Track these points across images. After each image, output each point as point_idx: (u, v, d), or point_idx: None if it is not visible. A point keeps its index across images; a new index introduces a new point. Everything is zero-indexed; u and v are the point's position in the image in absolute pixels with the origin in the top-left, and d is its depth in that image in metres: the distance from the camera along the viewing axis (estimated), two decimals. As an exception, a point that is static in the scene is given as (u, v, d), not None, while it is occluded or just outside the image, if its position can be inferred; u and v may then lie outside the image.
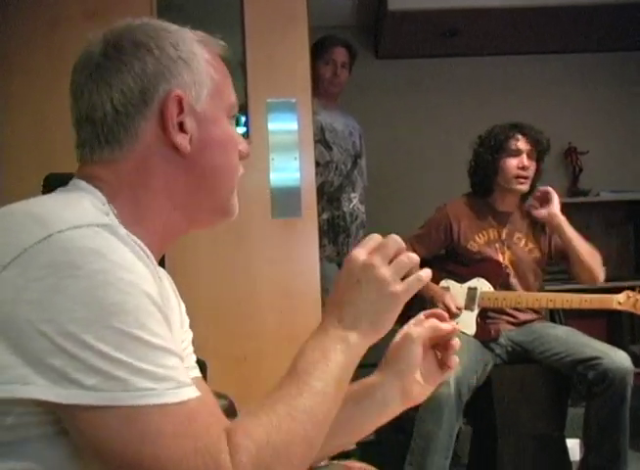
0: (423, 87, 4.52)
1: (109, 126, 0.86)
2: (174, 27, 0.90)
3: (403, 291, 0.85)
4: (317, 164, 2.72)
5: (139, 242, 0.78)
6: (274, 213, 2.52)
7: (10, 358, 0.69)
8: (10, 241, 0.72)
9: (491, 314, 2.60)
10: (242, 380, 2.39)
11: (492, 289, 2.57)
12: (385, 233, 0.89)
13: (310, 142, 2.59)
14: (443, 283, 2.65)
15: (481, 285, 2.58)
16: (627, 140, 4.38)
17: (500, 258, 2.61)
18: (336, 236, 3.18)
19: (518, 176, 2.57)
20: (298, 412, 0.77)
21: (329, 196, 3.16)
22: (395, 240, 0.86)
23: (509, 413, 2.51)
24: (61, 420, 0.72)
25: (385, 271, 0.84)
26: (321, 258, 2.64)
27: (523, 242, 2.64)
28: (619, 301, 2.34)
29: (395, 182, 4.39)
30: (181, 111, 0.87)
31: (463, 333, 2.50)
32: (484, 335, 2.55)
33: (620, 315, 3.48)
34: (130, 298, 0.71)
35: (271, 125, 2.52)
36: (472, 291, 2.58)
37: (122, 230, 0.77)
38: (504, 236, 2.63)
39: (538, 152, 2.61)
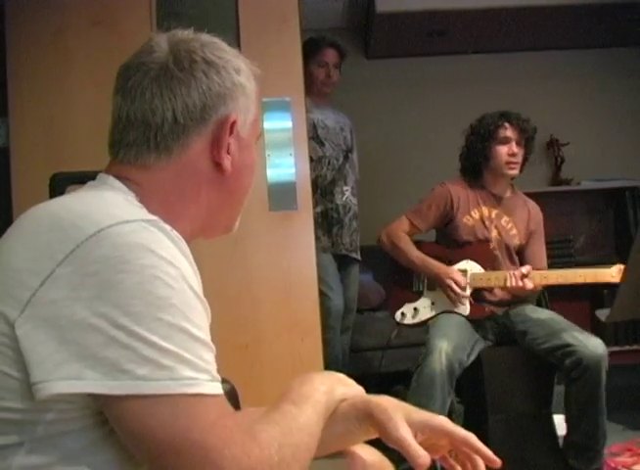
0: (411, 85, 4.60)
1: (163, 134, 0.88)
2: (233, 51, 0.95)
3: None
4: (310, 159, 2.76)
5: (181, 237, 0.80)
6: (271, 207, 2.57)
7: (63, 355, 0.70)
8: (61, 238, 0.74)
9: (483, 295, 2.67)
10: (244, 366, 2.45)
11: (482, 270, 2.66)
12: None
13: (304, 139, 2.64)
14: None
15: (471, 267, 2.67)
16: (606, 132, 4.50)
17: (489, 235, 2.71)
18: (330, 227, 3.23)
19: (508, 162, 2.70)
20: (302, 425, 0.82)
21: (322, 189, 3.22)
22: None
23: (498, 392, 2.57)
24: (97, 413, 0.73)
25: None
26: (316, 249, 2.68)
27: (509, 225, 2.75)
28: (612, 274, 2.40)
29: (385, 176, 4.46)
30: (231, 133, 0.91)
31: (455, 313, 2.60)
32: (479, 313, 2.63)
33: (603, 298, 3.61)
34: (176, 292, 0.74)
35: (267, 124, 2.55)
36: (462, 273, 2.65)
37: (167, 226, 0.79)
38: (493, 216, 2.74)
39: (526, 139, 2.74)
